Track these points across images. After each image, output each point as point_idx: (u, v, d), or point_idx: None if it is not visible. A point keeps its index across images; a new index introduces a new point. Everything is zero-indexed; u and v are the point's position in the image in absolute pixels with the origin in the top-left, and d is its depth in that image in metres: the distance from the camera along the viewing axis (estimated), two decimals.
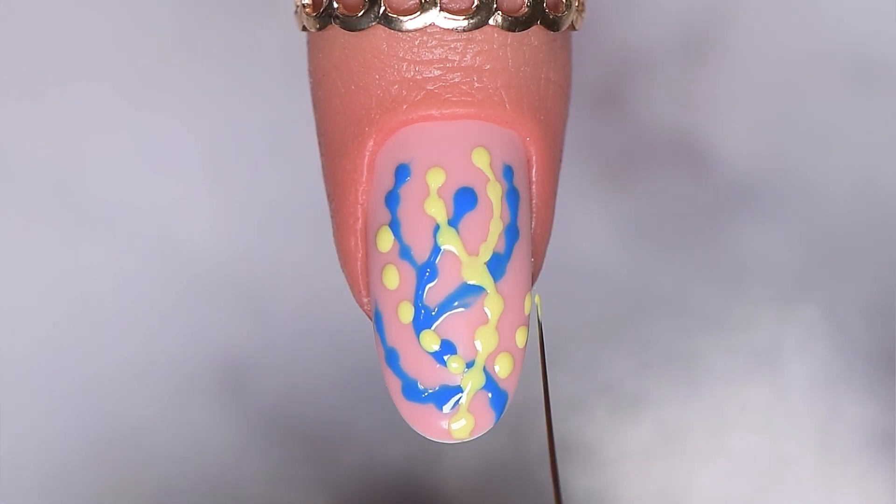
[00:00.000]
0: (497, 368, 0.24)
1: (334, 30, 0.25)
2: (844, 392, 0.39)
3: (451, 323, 0.24)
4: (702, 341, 0.39)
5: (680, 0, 0.40)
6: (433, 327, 0.24)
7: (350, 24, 0.24)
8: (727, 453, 0.39)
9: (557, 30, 0.25)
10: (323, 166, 0.26)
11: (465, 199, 0.24)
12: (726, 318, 0.39)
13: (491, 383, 0.24)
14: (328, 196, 0.26)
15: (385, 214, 0.25)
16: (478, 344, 0.24)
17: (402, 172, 0.25)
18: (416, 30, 0.24)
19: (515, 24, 0.24)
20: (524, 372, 0.25)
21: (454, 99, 0.24)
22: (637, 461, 0.39)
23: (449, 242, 0.24)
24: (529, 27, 0.24)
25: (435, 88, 0.24)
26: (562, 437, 0.39)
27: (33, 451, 0.39)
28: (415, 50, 0.24)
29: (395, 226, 0.24)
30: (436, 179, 0.24)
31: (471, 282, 0.24)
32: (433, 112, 0.24)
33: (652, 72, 0.40)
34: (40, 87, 0.40)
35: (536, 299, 0.25)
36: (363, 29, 0.24)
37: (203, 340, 0.39)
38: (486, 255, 0.24)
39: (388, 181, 0.25)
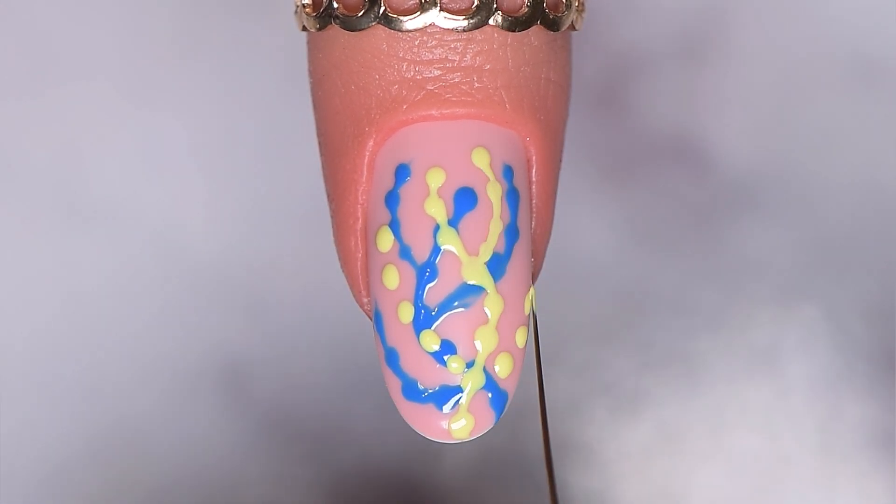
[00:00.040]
0: (497, 368, 0.24)
1: (334, 30, 0.25)
2: (844, 392, 0.39)
3: (451, 323, 0.24)
4: (702, 341, 0.39)
5: (679, 1, 0.40)
6: (433, 327, 0.24)
7: (350, 24, 0.24)
8: (727, 453, 0.39)
9: (557, 30, 0.25)
10: (323, 166, 0.26)
11: (465, 199, 0.24)
12: (726, 318, 0.39)
13: (491, 383, 0.24)
14: (328, 196, 0.26)
15: (385, 214, 0.25)
16: (478, 344, 0.24)
17: (402, 172, 0.25)
18: (416, 30, 0.24)
19: (515, 24, 0.24)
20: (524, 372, 0.25)
21: (454, 99, 0.24)
22: (637, 461, 0.39)
23: (449, 242, 0.24)
24: (529, 27, 0.24)
25: (435, 88, 0.24)
26: (562, 437, 0.39)
27: (32, 450, 0.39)
28: (415, 50, 0.24)
29: (395, 226, 0.24)
30: (436, 179, 0.24)
31: (471, 282, 0.24)
32: (433, 112, 0.24)
33: (652, 72, 0.40)
34: (40, 87, 0.40)
35: (531, 292, 0.25)
36: (363, 29, 0.24)
37: (202, 339, 0.39)
38: (486, 255, 0.24)
39: (388, 181, 0.25)
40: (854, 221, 0.40)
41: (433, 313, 0.24)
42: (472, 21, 0.24)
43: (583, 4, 0.25)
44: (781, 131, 0.40)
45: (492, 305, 0.24)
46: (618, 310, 0.40)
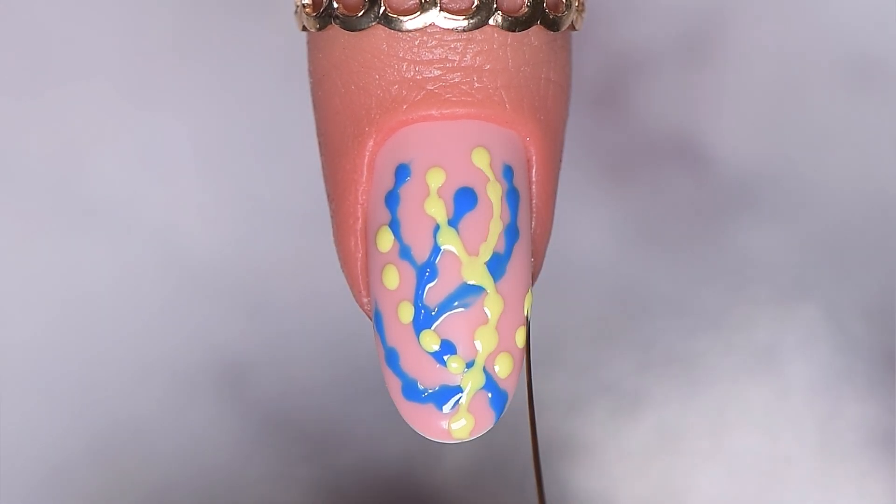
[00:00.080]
0: (497, 368, 0.24)
1: (334, 30, 0.25)
2: (844, 392, 0.39)
3: (450, 323, 0.24)
4: (702, 341, 0.39)
5: (680, 1, 0.40)
6: (433, 327, 0.24)
7: (350, 24, 0.24)
8: (727, 453, 0.39)
9: (557, 30, 0.25)
10: (323, 166, 0.26)
11: (465, 199, 0.24)
12: (726, 318, 0.39)
13: (491, 383, 0.25)
14: (328, 196, 0.26)
15: (385, 214, 0.25)
16: (478, 344, 0.24)
17: (402, 172, 0.25)
18: (416, 30, 0.24)
19: (515, 24, 0.24)
20: (524, 372, 0.25)
21: (454, 99, 0.24)
22: (637, 461, 0.39)
23: (449, 242, 0.24)
24: (529, 27, 0.24)
25: (435, 88, 0.24)
26: (562, 437, 0.39)
27: (31, 449, 0.39)
28: (415, 50, 0.24)
29: (395, 226, 0.24)
30: (436, 179, 0.24)
31: (471, 282, 0.24)
32: (433, 112, 0.24)
33: (652, 72, 0.40)
34: (40, 87, 0.40)
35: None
36: (363, 29, 0.24)
37: (201, 339, 0.39)
38: (486, 255, 0.24)
39: (388, 181, 0.25)
40: (854, 221, 0.40)
41: (433, 313, 0.24)
42: (472, 21, 0.24)
43: (583, 4, 0.25)
44: (781, 131, 0.40)
45: (492, 305, 0.24)
46: (618, 310, 0.40)
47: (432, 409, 0.24)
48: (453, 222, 0.24)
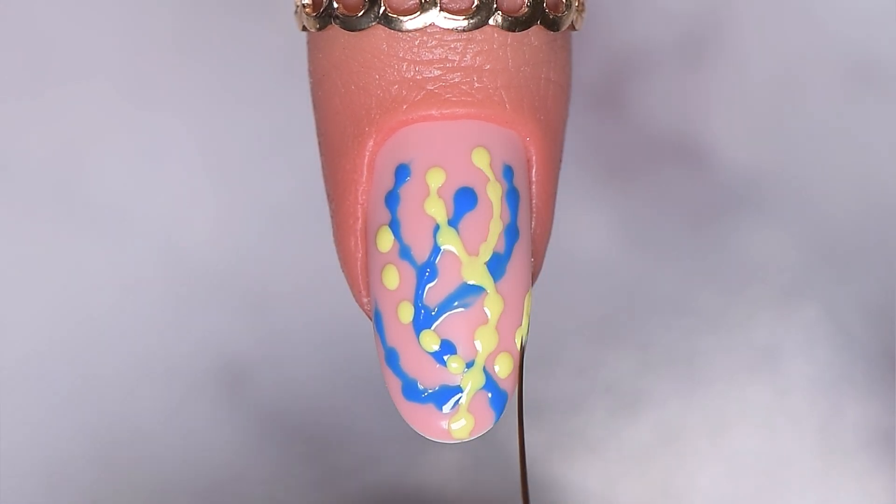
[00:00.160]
0: (497, 368, 0.24)
1: (334, 30, 0.25)
2: (844, 392, 0.39)
3: (450, 323, 0.24)
4: (702, 341, 0.39)
5: (680, 0, 0.40)
6: (433, 327, 0.24)
7: (350, 24, 0.24)
8: (727, 453, 0.39)
9: (557, 30, 0.25)
10: (323, 166, 0.26)
11: (465, 199, 0.24)
12: (726, 318, 0.39)
13: (491, 383, 0.25)
14: (328, 196, 0.26)
15: (385, 214, 0.25)
16: (478, 344, 0.24)
17: (402, 172, 0.25)
18: (416, 30, 0.24)
19: (515, 24, 0.24)
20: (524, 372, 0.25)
21: (454, 99, 0.24)
22: (637, 461, 0.39)
23: (449, 242, 0.24)
24: (529, 27, 0.24)
25: (435, 88, 0.24)
26: (562, 436, 0.39)
27: (34, 451, 0.39)
28: (415, 50, 0.24)
29: (395, 226, 0.24)
30: (436, 179, 0.24)
31: (471, 282, 0.24)
32: (433, 112, 0.24)
33: (652, 72, 0.40)
34: (40, 87, 0.40)
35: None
36: (363, 29, 0.24)
37: (203, 340, 0.39)
38: (486, 255, 0.24)
39: (388, 181, 0.25)
40: (854, 221, 0.40)
41: (433, 313, 0.24)
42: (472, 21, 0.24)
43: (583, 4, 0.25)
44: (781, 132, 0.40)
45: (492, 305, 0.24)
46: (618, 310, 0.40)
47: (432, 409, 0.24)
48: (453, 222, 0.24)
